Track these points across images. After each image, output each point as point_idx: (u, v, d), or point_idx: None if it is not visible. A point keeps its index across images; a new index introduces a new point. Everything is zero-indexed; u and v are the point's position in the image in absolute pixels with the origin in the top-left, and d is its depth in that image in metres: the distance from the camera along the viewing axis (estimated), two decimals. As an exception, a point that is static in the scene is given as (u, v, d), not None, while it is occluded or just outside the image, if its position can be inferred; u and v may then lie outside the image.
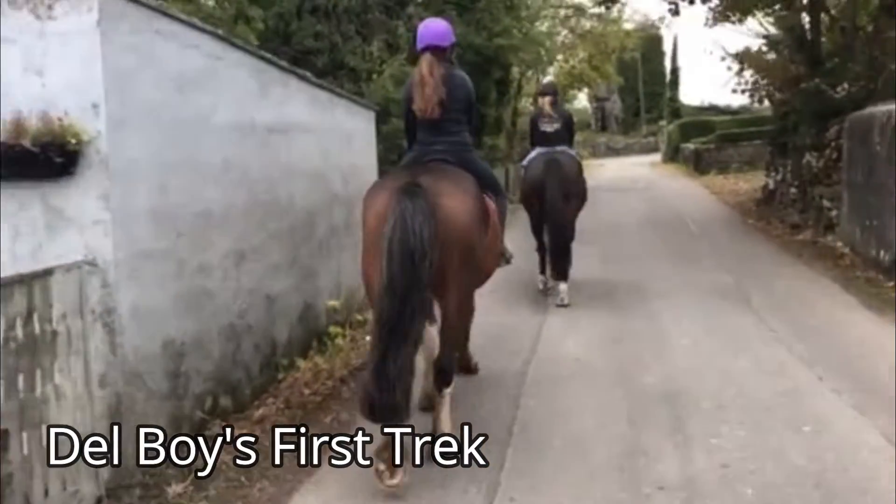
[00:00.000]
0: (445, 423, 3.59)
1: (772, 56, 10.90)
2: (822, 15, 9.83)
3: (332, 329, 5.31)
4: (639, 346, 5.46)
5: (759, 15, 11.29)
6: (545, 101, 7.32)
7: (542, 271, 7.25)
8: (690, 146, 23.24)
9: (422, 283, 3.20)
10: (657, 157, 32.85)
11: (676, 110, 39.92)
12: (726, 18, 11.10)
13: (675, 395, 4.35)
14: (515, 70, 26.01)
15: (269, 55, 4.78)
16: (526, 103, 30.80)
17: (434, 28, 4.04)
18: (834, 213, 9.02)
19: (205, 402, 3.81)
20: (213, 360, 3.90)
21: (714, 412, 4.05)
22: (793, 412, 4.00)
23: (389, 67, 11.92)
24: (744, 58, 11.00)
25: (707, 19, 11.34)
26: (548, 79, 29.85)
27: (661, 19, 11.17)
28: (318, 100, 5.37)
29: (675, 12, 10.79)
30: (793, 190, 11.19)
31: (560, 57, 31.79)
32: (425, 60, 3.86)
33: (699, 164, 21.06)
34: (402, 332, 3.17)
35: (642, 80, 46.14)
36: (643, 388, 4.52)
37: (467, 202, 3.52)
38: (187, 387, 3.68)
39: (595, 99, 47.69)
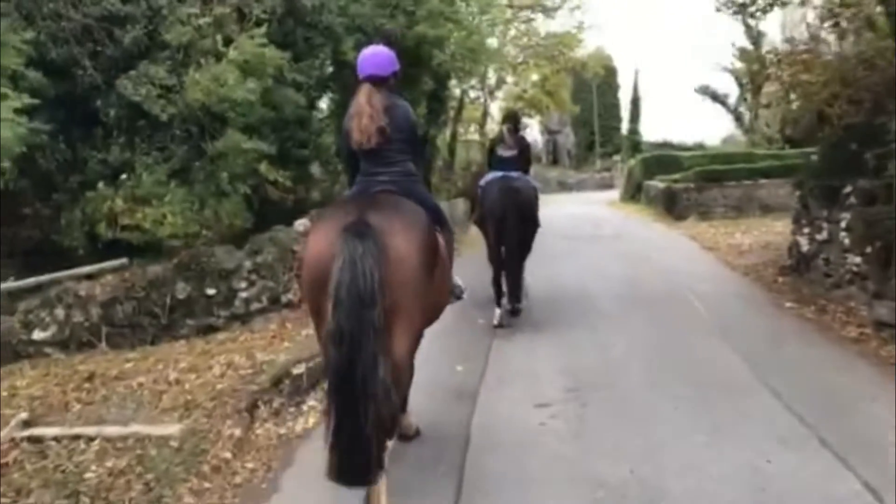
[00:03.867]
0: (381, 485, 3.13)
1: (830, 50, 6.99)
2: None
3: None
4: None
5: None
6: (504, 128, 7.47)
7: (499, 304, 7.00)
8: (658, 184, 19.37)
9: (373, 330, 2.91)
10: (614, 194, 29.02)
11: (637, 144, 36.47)
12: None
13: None
14: (457, 90, 22.08)
15: None
16: (467, 130, 26.77)
17: (374, 57, 3.87)
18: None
19: None
20: None
21: None
22: None
23: (237, 49, 7.57)
24: (778, 56, 7.07)
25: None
26: (506, 105, 26.08)
27: None
28: None
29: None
30: (854, 259, 7.22)
31: (510, 79, 28.13)
32: (364, 90, 3.74)
33: (674, 207, 17.06)
34: (358, 383, 2.85)
35: (597, 112, 43.10)
36: None
37: (417, 240, 3.29)
38: None
39: (547, 131, 44.68)
